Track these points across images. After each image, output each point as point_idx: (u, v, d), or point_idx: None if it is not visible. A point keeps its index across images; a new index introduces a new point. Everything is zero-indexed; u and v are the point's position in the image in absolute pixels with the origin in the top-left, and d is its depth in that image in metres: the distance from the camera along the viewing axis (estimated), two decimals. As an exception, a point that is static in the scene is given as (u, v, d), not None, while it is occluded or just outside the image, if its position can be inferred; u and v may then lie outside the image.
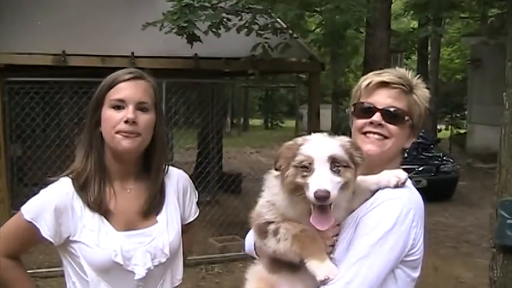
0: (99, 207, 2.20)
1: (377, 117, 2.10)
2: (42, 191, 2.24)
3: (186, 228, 2.44)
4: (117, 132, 2.17)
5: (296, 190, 1.88)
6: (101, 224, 2.20)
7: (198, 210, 2.54)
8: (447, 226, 10.99)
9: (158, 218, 2.31)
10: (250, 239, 2.26)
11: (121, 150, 2.19)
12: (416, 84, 2.16)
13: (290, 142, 1.98)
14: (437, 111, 24.62)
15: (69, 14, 9.00)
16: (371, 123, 2.11)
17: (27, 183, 8.19)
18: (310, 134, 1.98)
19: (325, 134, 1.97)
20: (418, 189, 2.09)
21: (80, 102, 7.72)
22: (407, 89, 2.12)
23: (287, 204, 1.95)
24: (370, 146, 2.10)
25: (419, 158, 13.64)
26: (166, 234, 2.29)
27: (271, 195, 2.01)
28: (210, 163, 11.38)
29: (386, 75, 2.13)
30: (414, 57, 23.86)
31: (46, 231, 2.17)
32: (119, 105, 2.17)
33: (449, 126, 26.21)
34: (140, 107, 2.19)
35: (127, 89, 2.19)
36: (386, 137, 2.11)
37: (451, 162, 14.07)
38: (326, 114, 27.92)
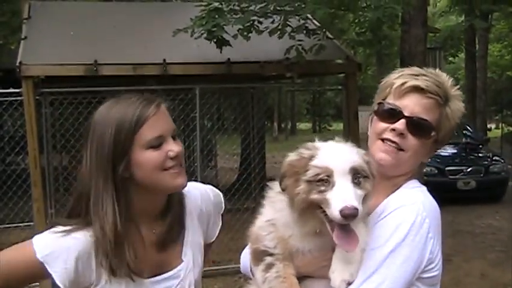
0: (129, 269, 1.91)
1: (400, 124, 1.86)
2: (62, 231, 1.91)
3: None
4: (163, 170, 1.91)
5: (310, 209, 1.68)
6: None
7: (218, 231, 2.30)
8: (497, 229, 10.64)
9: (183, 256, 2.08)
10: (246, 258, 2.03)
11: (177, 188, 1.98)
12: (453, 96, 1.93)
13: (293, 157, 1.75)
14: (486, 109, 24.00)
15: (100, 24, 9.07)
16: (393, 130, 1.87)
17: (64, 194, 8.24)
18: (315, 141, 1.78)
19: (337, 139, 1.78)
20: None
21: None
22: (442, 100, 1.89)
23: (293, 222, 1.74)
24: (384, 155, 1.88)
25: (468, 158, 13.43)
26: (192, 273, 2.09)
27: (273, 211, 1.82)
28: (252, 169, 11.24)
29: (425, 79, 1.88)
30: (462, 55, 23.36)
31: (62, 279, 1.87)
32: (158, 144, 1.90)
33: (501, 125, 25.65)
34: (173, 134, 1.96)
35: (159, 123, 1.90)
36: (403, 150, 1.88)
37: (502, 162, 13.76)
38: (373, 116, 27.49)
